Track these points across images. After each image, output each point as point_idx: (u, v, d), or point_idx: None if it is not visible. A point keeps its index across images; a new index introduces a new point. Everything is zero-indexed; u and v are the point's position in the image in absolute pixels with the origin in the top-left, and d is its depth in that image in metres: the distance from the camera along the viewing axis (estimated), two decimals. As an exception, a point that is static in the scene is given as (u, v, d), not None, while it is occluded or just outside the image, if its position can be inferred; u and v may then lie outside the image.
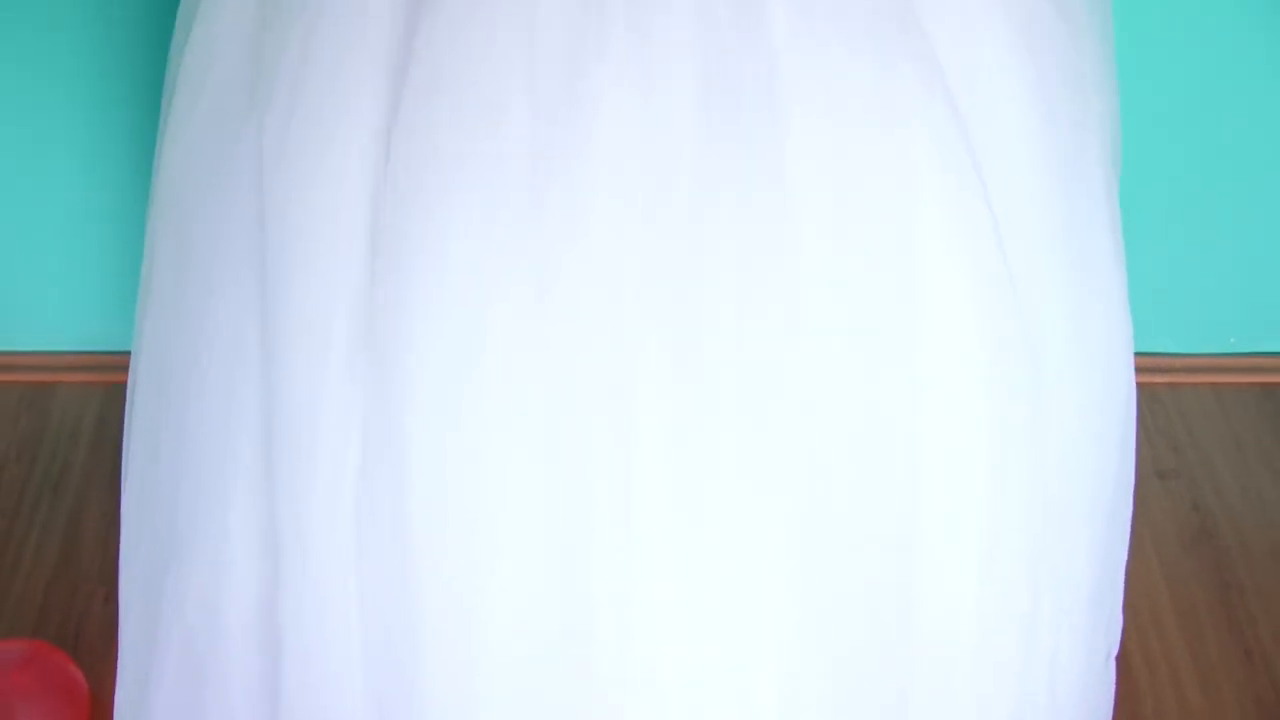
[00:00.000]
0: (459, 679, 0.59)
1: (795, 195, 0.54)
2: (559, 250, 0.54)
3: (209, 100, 0.62)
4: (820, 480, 0.58)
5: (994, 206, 0.58)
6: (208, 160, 0.62)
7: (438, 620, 0.59)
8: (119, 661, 0.70)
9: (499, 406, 0.56)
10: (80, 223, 1.44)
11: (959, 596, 0.61)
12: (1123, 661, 0.85)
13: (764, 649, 0.59)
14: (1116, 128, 0.73)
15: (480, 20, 0.54)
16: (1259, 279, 1.51)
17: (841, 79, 0.55)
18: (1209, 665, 1.19)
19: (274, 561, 0.61)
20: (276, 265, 0.59)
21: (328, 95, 0.56)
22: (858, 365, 0.57)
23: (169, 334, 0.67)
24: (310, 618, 0.60)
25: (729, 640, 0.59)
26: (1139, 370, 1.57)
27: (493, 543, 0.57)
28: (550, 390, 0.56)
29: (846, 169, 0.55)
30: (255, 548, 0.63)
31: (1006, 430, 0.61)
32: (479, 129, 0.54)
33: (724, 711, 0.59)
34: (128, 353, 1.49)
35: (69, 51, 1.31)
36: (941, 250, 0.57)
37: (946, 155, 0.56)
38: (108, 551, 1.33)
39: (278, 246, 0.58)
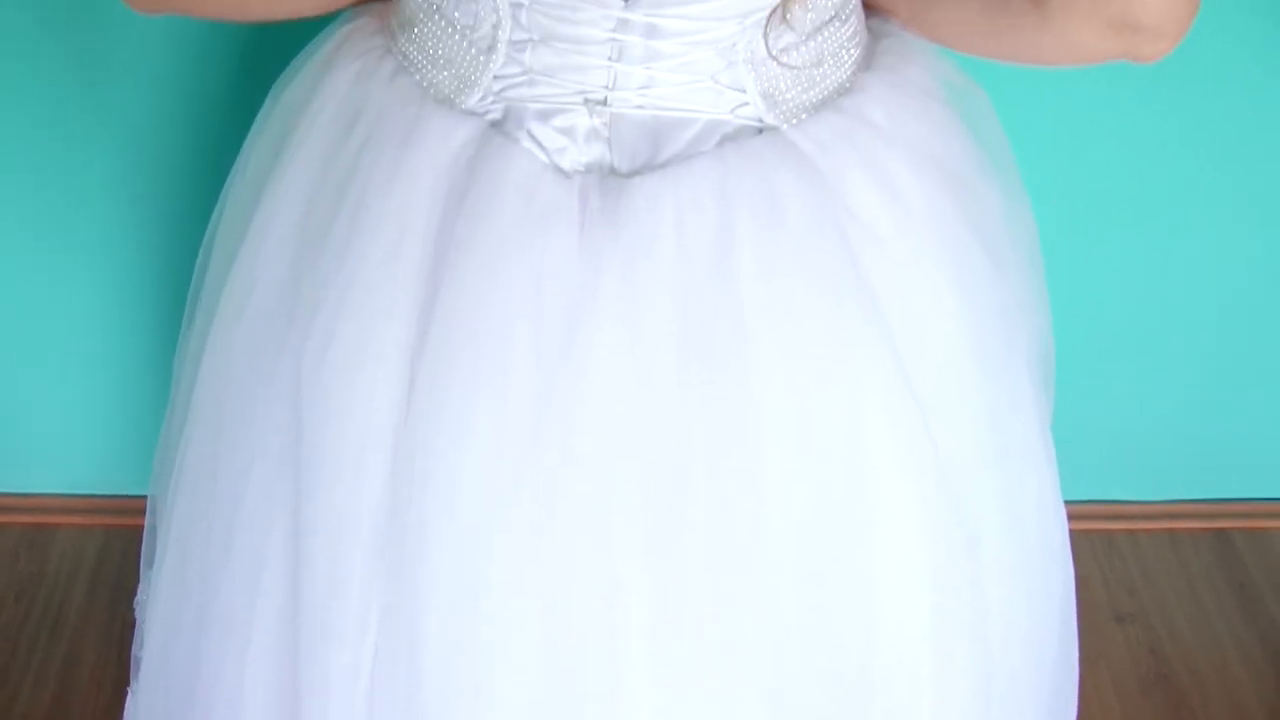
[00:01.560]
0: None
1: (762, 421, 0.65)
2: (557, 478, 0.64)
3: (249, 321, 0.73)
4: (784, 663, 0.68)
5: (930, 423, 0.68)
6: (247, 372, 0.72)
7: None
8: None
9: (503, 608, 0.66)
10: (81, 368, 1.51)
11: None
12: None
13: None
14: (1048, 336, 0.85)
15: (496, 274, 0.64)
16: (1209, 428, 1.59)
17: (800, 318, 0.66)
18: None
19: None
20: (310, 473, 0.68)
21: (361, 332, 0.66)
22: (813, 562, 0.67)
23: (199, 518, 0.77)
24: None
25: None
26: (1096, 518, 1.67)
27: None
28: (548, 595, 0.66)
29: (805, 396, 0.66)
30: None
31: (950, 616, 0.71)
32: (490, 370, 0.64)
33: None
34: (126, 497, 1.57)
35: (86, 220, 1.39)
36: (887, 463, 0.68)
37: (889, 381, 0.67)
38: (101, 694, 1.38)
39: (311, 457, 0.68)
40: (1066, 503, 1.62)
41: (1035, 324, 0.80)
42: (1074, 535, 1.57)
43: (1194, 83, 1.30)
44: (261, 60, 1.03)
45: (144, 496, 1.55)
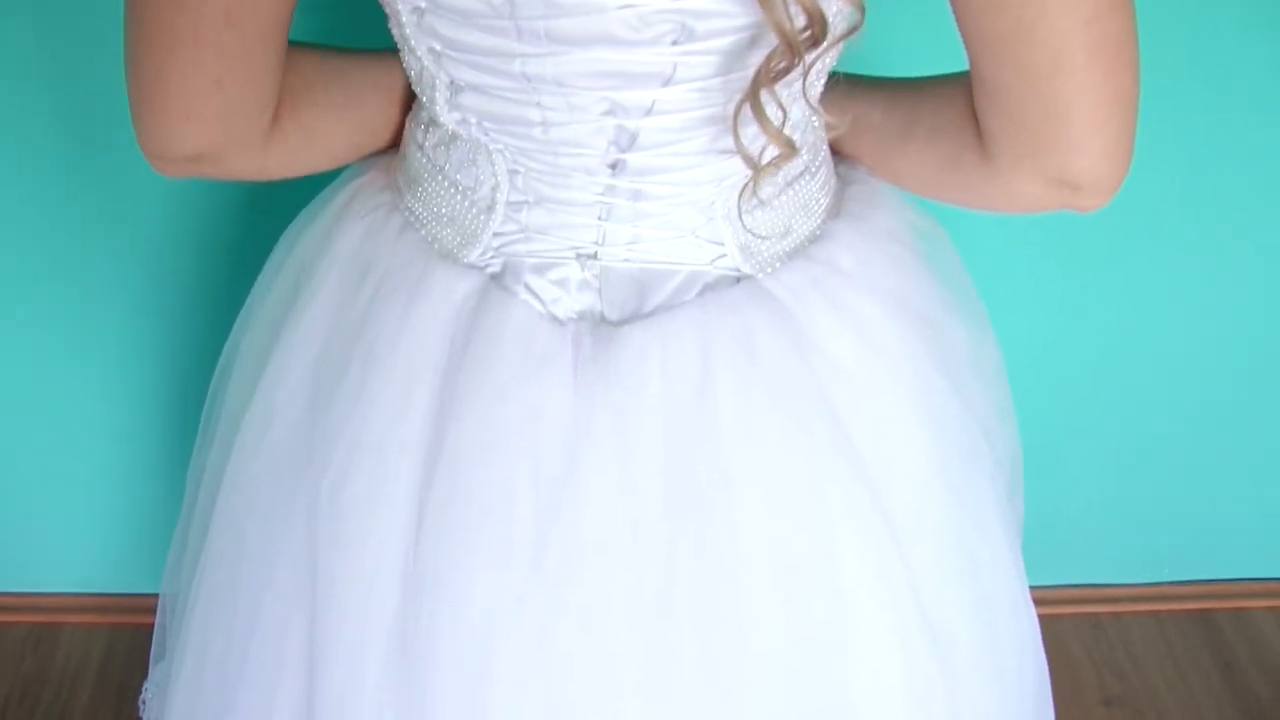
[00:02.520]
0: None
1: (743, 552, 0.71)
2: (555, 603, 0.69)
3: (268, 454, 0.78)
4: None
5: (902, 547, 0.74)
6: (266, 501, 0.78)
7: None
8: None
9: (507, 716, 0.71)
10: (86, 469, 1.55)
11: None
12: None
13: None
14: (1014, 450, 0.91)
15: (498, 415, 0.70)
16: (1192, 511, 1.64)
17: (776, 454, 0.72)
18: None
19: None
20: (325, 595, 0.74)
21: (374, 469, 0.72)
22: (793, 681, 0.72)
23: (217, 629, 0.82)
24: None
25: None
26: (1083, 601, 1.71)
27: None
28: (548, 704, 0.71)
29: (782, 526, 0.71)
30: None
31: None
32: (494, 503, 0.70)
33: None
34: (131, 595, 1.61)
35: (97, 325, 1.44)
36: (862, 587, 0.73)
37: (861, 510, 0.73)
38: (107, 794, 1.42)
39: (326, 581, 0.74)
40: (1054, 587, 1.69)
41: (999, 445, 0.86)
42: (1062, 619, 1.64)
43: (1169, 181, 1.36)
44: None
45: (149, 595, 1.60)
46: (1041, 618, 1.68)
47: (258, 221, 1.28)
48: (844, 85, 0.74)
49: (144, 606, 1.57)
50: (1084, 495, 1.61)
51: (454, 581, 0.70)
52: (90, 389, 1.48)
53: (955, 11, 0.66)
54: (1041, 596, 1.62)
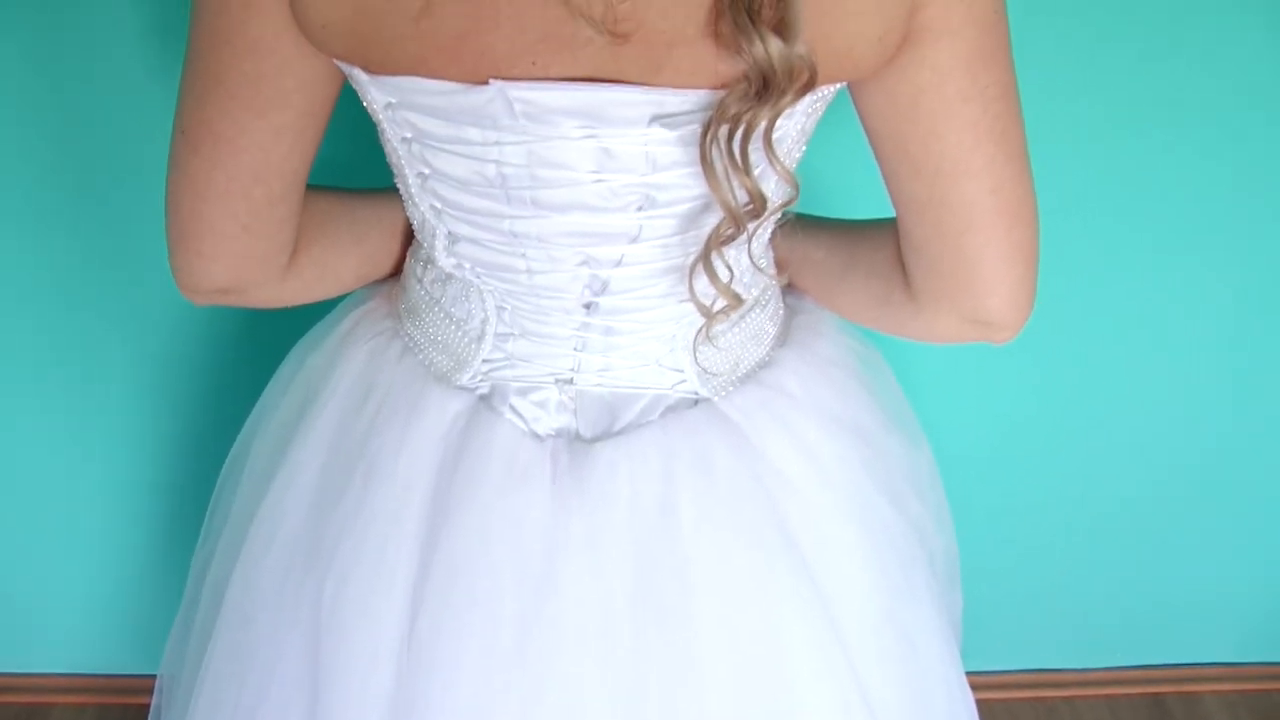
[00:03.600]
0: None
1: (702, 643, 0.81)
2: (537, 689, 0.79)
3: (276, 552, 0.88)
4: None
5: (844, 638, 0.85)
6: (273, 595, 0.88)
7: None
8: None
9: None
10: (77, 551, 1.60)
11: None
12: None
13: None
14: (950, 548, 1.02)
15: (486, 522, 0.81)
16: (1142, 595, 1.71)
17: (730, 559, 0.82)
18: None
19: None
20: (327, 680, 0.83)
21: (374, 569, 0.82)
22: None
23: (224, 705, 0.91)
24: None
25: None
26: (1037, 686, 1.80)
27: None
28: None
29: (737, 623, 0.82)
30: None
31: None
32: (482, 600, 0.80)
33: None
34: (121, 676, 1.67)
35: (97, 411, 1.50)
36: (809, 677, 0.83)
37: (807, 608, 0.83)
38: None
39: (328, 668, 0.83)
40: (1007, 672, 1.76)
41: (933, 545, 0.97)
42: (1016, 704, 1.73)
43: (1110, 274, 1.45)
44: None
45: (138, 676, 1.67)
46: (996, 702, 1.77)
47: (260, 332, 1.39)
48: (793, 224, 0.86)
49: (132, 687, 1.66)
50: (1034, 581, 1.68)
51: (445, 669, 0.80)
52: (90, 474, 1.55)
53: (884, 177, 0.78)
54: (996, 681, 1.73)
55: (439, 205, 0.80)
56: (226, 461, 1.05)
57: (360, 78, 0.74)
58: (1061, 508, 1.64)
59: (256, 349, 1.31)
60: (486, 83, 0.69)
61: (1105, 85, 1.31)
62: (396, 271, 0.96)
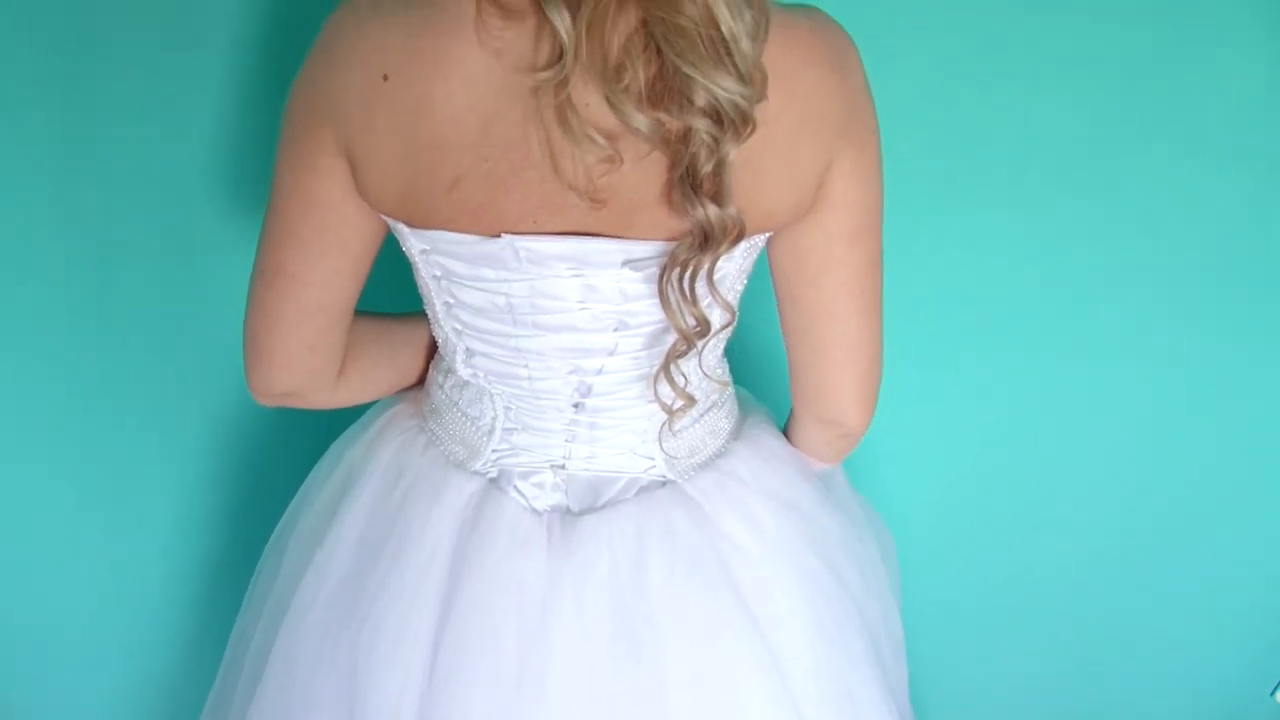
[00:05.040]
0: None
1: (669, 682, 1.00)
2: (532, 713, 0.99)
3: (319, 611, 1.09)
4: None
5: (788, 679, 1.05)
6: (315, 645, 1.07)
7: None
8: None
9: None
10: (109, 630, 1.70)
11: None
12: None
13: None
14: (892, 615, 1.22)
15: (493, 583, 1.02)
16: (1088, 696, 1.78)
17: (692, 614, 1.02)
18: None
19: None
20: (363, 709, 1.03)
21: (399, 625, 1.03)
22: None
23: None
24: None
25: None
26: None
27: None
28: None
29: (698, 666, 1.02)
30: None
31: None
32: (488, 645, 1.00)
33: None
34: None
35: (131, 492, 1.63)
36: (757, 706, 1.03)
37: (757, 657, 1.03)
38: None
39: (362, 705, 1.03)
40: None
41: (871, 613, 1.16)
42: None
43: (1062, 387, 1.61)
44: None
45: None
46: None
47: (291, 435, 1.57)
48: None
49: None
50: (983, 678, 1.78)
51: (460, 702, 1.00)
52: (131, 571, 1.67)
53: (778, 307, 1.03)
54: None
55: (460, 327, 1.03)
56: (270, 540, 1.25)
57: (402, 229, 0.97)
58: (1002, 608, 1.74)
59: (288, 450, 1.51)
60: (499, 236, 0.93)
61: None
62: (421, 380, 1.18)
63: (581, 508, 1.06)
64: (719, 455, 1.11)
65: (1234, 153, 1.44)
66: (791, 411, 1.12)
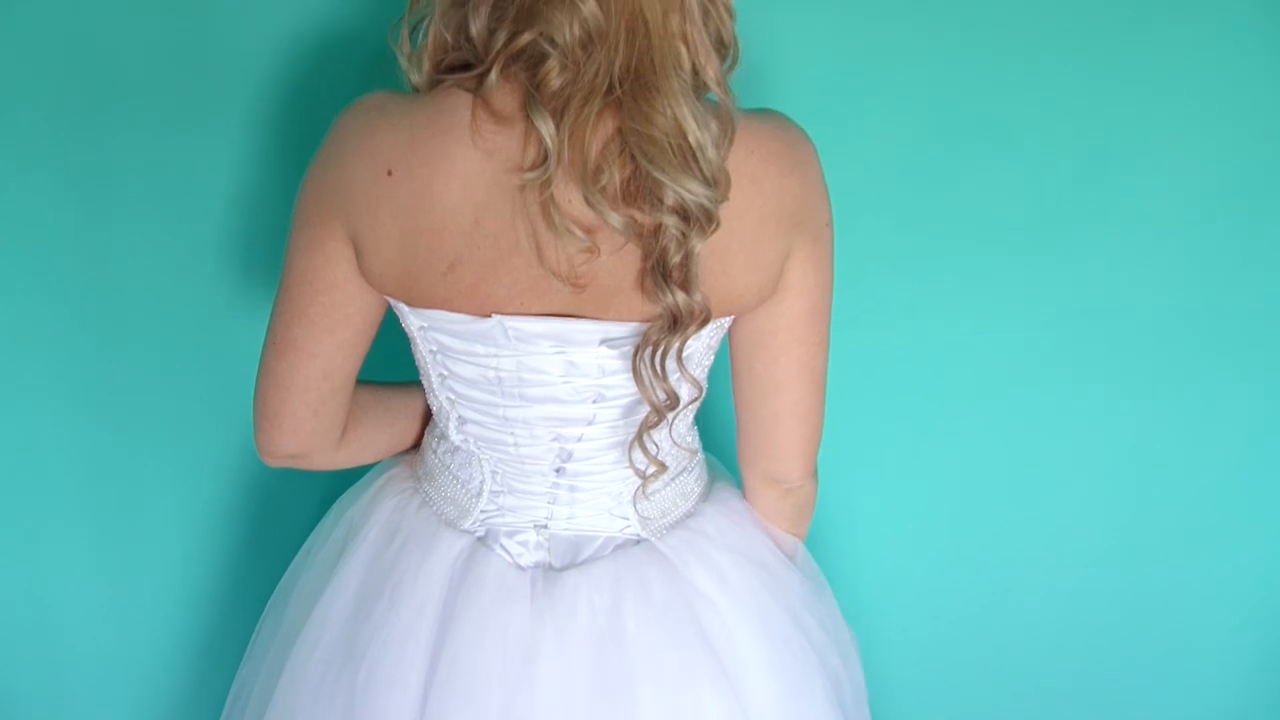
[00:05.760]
0: None
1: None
2: None
3: (321, 652, 1.17)
4: None
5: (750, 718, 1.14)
6: (315, 685, 1.16)
7: None
8: None
9: None
10: (127, 686, 1.75)
11: None
12: None
13: None
14: (852, 661, 1.32)
15: (480, 632, 1.11)
16: None
17: (663, 659, 1.12)
18: None
19: None
20: None
21: (394, 668, 1.12)
22: None
23: None
24: None
25: None
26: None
27: None
28: None
29: (669, 707, 1.12)
30: None
31: None
32: (476, 687, 1.09)
33: None
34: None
35: (142, 547, 1.70)
36: None
37: (723, 697, 1.13)
38: None
39: None
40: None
41: (831, 659, 1.26)
42: None
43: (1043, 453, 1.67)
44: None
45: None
46: None
47: (284, 497, 1.67)
48: None
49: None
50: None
51: None
52: (140, 623, 1.73)
53: (733, 379, 1.15)
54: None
55: (453, 396, 1.14)
56: (274, 594, 1.34)
57: (402, 308, 1.09)
58: (977, 656, 1.77)
59: (278, 514, 1.61)
60: (490, 316, 1.04)
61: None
62: (416, 444, 1.29)
63: (563, 563, 1.16)
64: (689, 515, 1.21)
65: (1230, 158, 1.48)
66: (741, 478, 1.23)
